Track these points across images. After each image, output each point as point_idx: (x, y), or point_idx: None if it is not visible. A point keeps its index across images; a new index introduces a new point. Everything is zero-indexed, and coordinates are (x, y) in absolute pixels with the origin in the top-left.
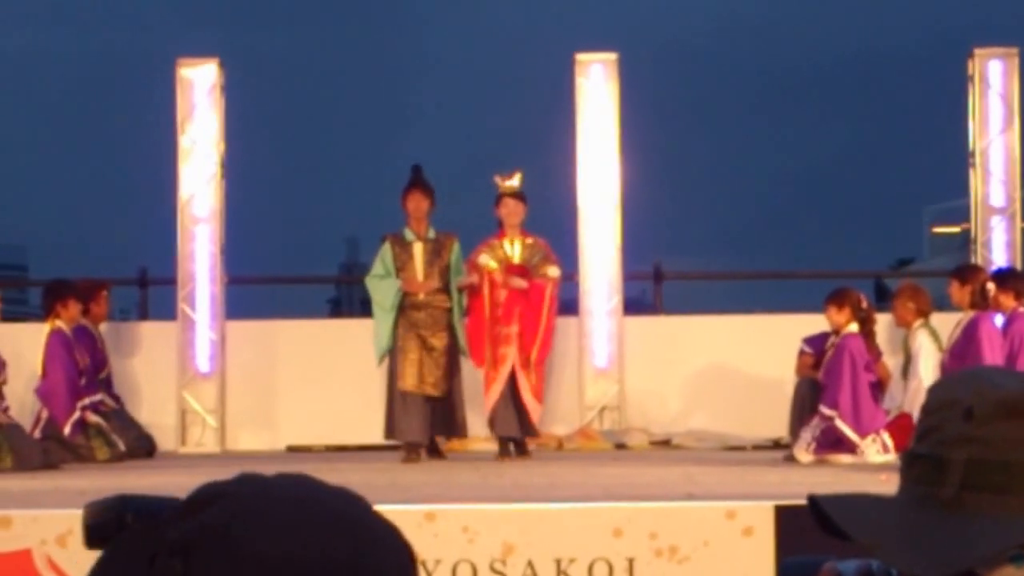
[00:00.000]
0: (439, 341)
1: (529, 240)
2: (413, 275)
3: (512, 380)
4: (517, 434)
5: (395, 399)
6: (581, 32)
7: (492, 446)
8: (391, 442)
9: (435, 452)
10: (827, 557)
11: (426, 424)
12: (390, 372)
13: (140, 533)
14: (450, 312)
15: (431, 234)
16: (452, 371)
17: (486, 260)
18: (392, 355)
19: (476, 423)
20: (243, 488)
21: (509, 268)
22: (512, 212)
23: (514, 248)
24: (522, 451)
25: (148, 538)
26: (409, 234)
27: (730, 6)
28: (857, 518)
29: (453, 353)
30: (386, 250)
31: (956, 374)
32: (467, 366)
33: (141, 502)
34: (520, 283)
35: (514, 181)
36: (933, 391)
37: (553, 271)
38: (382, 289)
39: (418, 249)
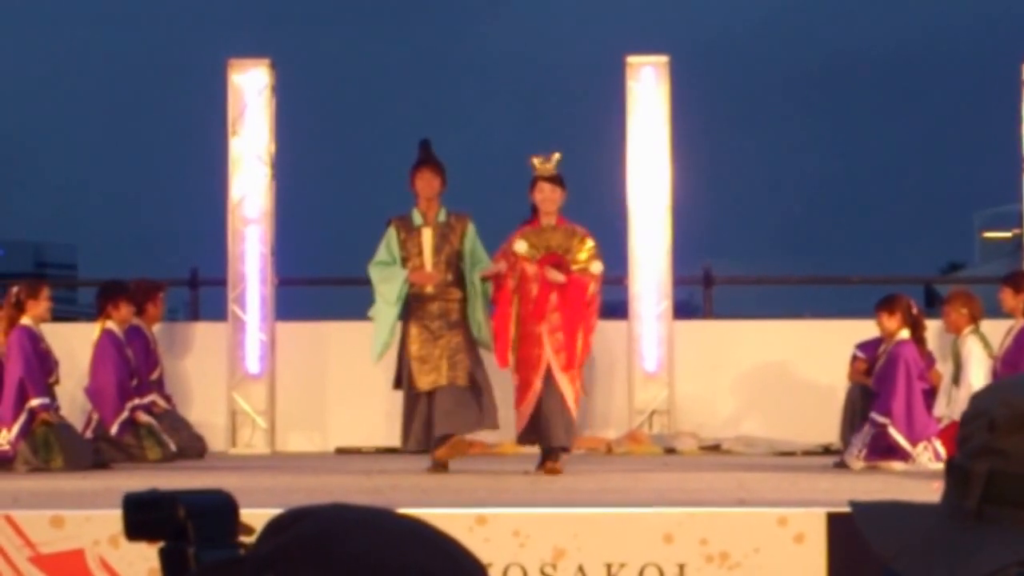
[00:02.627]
0: (451, 335)
1: (567, 229)
2: (420, 265)
3: (549, 386)
4: (555, 444)
5: (409, 403)
6: (632, 33)
7: (527, 451)
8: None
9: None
10: None
11: (426, 431)
12: (400, 376)
13: (222, 564)
14: (463, 303)
15: (442, 216)
16: (473, 360)
17: (521, 246)
18: (400, 356)
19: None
20: (325, 508)
21: (544, 259)
22: (548, 198)
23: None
24: (555, 461)
25: (232, 566)
26: (417, 217)
27: (780, 3)
28: (882, 527)
29: (471, 345)
30: (391, 235)
31: (994, 383)
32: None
33: (192, 497)
34: (557, 276)
35: (550, 163)
36: (972, 401)
37: (596, 266)
38: (387, 279)
39: (427, 235)
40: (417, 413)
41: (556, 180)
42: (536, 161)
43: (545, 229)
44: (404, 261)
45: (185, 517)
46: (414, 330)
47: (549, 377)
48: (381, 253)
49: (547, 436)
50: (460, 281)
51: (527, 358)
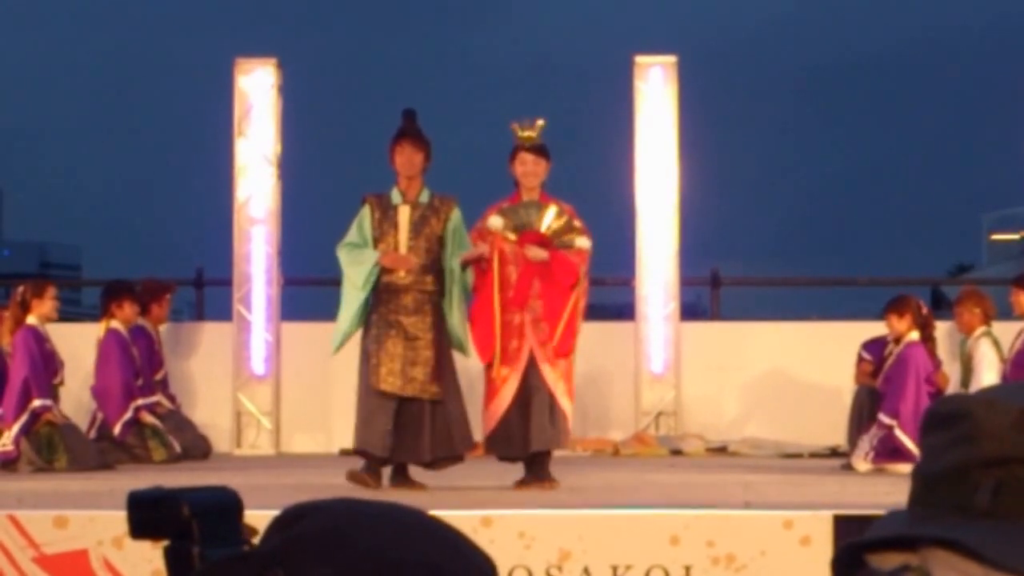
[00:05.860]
0: (425, 332)
1: (550, 205)
2: (395, 247)
3: (532, 382)
4: (541, 447)
5: (365, 402)
6: (640, 33)
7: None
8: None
9: (403, 478)
10: None
11: (392, 436)
12: (363, 372)
13: (228, 561)
14: (439, 296)
15: (424, 197)
16: (444, 369)
17: (496, 222)
18: (364, 349)
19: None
20: (333, 503)
21: (524, 237)
22: (530, 171)
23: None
24: (538, 473)
25: (239, 563)
26: (396, 195)
27: (788, 5)
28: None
29: (443, 348)
30: (365, 214)
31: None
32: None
33: (196, 495)
34: (540, 254)
35: (534, 131)
36: None
37: (582, 242)
38: (356, 261)
39: (404, 213)
40: (381, 414)
41: (540, 150)
42: (517, 128)
43: (526, 204)
44: (376, 243)
45: (189, 515)
46: (383, 324)
47: (533, 372)
48: (352, 233)
49: (528, 439)
50: (439, 271)
51: (504, 351)
